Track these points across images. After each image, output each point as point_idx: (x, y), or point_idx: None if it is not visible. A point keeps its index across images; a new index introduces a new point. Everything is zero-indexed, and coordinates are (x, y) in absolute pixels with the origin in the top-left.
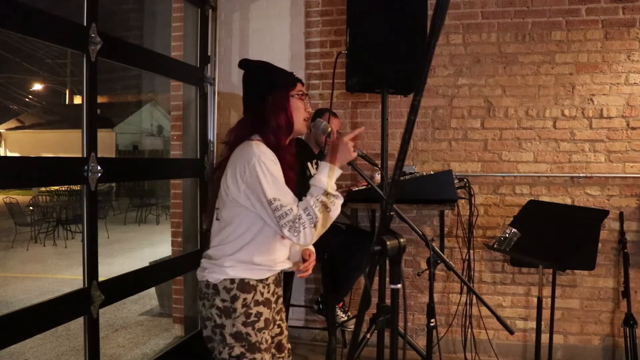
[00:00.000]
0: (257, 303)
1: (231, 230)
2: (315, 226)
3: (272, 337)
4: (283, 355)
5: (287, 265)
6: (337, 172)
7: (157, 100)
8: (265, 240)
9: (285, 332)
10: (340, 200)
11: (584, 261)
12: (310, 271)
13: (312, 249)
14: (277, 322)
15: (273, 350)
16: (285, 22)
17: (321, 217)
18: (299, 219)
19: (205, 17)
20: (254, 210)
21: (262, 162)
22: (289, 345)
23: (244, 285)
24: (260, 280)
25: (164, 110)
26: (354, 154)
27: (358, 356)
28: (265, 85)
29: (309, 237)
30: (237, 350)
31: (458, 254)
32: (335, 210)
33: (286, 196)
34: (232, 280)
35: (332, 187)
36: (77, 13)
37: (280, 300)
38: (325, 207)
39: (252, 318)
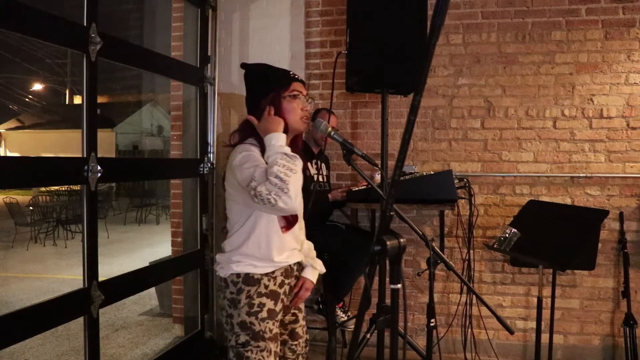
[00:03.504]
0: (260, 295)
1: (236, 227)
2: (287, 191)
3: (286, 324)
4: (296, 343)
5: (295, 259)
6: (282, 136)
7: (157, 100)
8: (262, 235)
9: (302, 322)
10: (299, 161)
11: (584, 261)
12: (300, 300)
13: (310, 279)
14: (292, 311)
15: (285, 337)
16: (285, 22)
17: (290, 181)
18: (270, 192)
19: (205, 17)
20: (252, 204)
21: (240, 157)
22: (306, 336)
23: (249, 279)
24: (265, 274)
25: (164, 110)
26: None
27: (358, 356)
28: (259, 90)
29: (288, 202)
30: (243, 338)
31: (458, 254)
32: (299, 170)
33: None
34: (238, 275)
35: (287, 149)
36: (77, 13)
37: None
38: (290, 170)
39: (255, 308)
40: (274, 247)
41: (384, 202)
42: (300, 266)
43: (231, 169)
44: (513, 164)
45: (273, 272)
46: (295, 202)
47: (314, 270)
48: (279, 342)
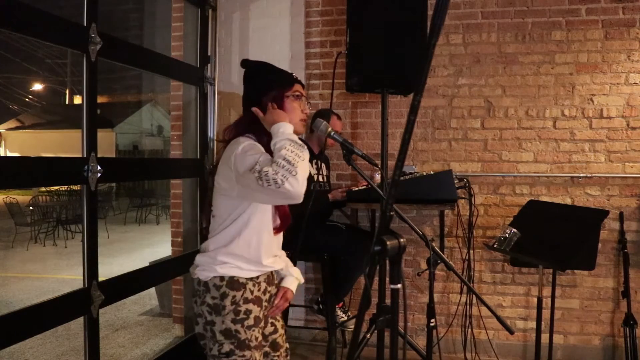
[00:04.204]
0: (246, 301)
1: (225, 223)
2: (295, 174)
3: (267, 335)
4: (278, 354)
5: (279, 266)
6: (290, 126)
7: (157, 100)
8: (254, 232)
9: (281, 331)
10: (307, 151)
11: (584, 261)
12: (279, 310)
13: (292, 289)
14: (271, 320)
15: (267, 349)
16: (285, 22)
17: (299, 166)
18: (276, 173)
19: (205, 17)
20: (249, 195)
21: (243, 145)
22: (286, 345)
23: (233, 283)
24: (250, 279)
25: (164, 110)
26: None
27: (358, 356)
28: (261, 86)
29: (295, 185)
30: (227, 347)
31: (458, 254)
32: (307, 159)
33: (263, 158)
34: (222, 278)
35: (296, 137)
36: (77, 13)
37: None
38: (298, 156)
39: (242, 315)
40: (263, 249)
41: (384, 202)
42: (278, 275)
43: (226, 161)
44: (513, 164)
45: (257, 277)
46: (302, 187)
47: (295, 280)
48: (262, 351)
